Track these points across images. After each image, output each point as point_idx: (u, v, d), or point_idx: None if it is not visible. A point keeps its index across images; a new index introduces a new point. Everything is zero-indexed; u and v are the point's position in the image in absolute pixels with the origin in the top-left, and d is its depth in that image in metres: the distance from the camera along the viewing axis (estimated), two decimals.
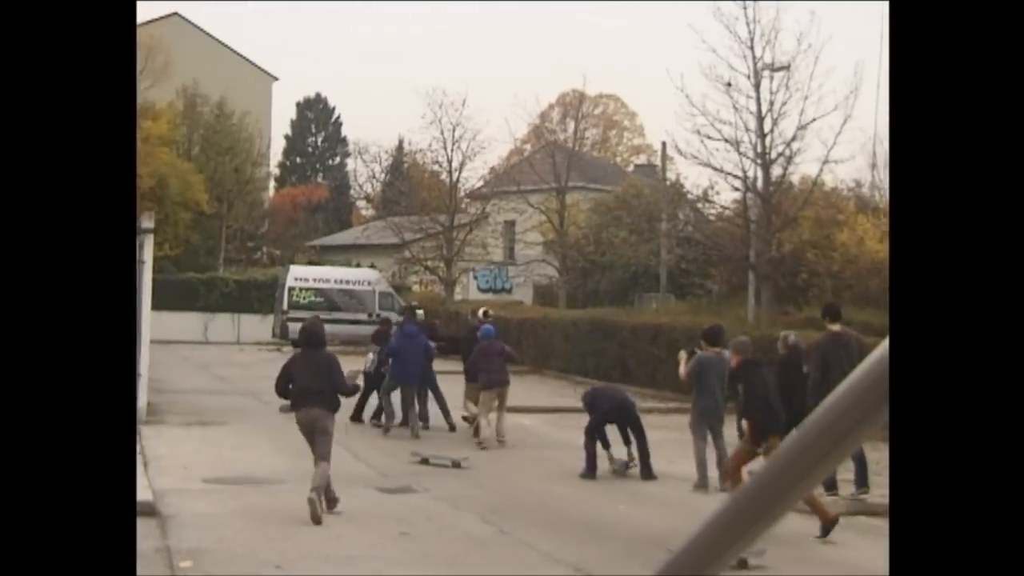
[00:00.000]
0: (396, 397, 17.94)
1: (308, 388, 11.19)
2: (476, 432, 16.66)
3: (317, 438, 11.21)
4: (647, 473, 13.97)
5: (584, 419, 14.84)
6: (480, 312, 20.88)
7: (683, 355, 13.73)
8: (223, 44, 65.08)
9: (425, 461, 14.70)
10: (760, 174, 26.36)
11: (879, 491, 12.02)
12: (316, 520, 10.59)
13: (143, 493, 11.40)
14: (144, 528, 10.38)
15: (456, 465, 14.46)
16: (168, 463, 13.82)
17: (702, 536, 1.05)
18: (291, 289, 39.06)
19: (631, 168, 57.19)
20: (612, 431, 14.58)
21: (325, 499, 11.06)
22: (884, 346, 1.00)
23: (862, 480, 12.09)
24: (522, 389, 26.51)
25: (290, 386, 11.22)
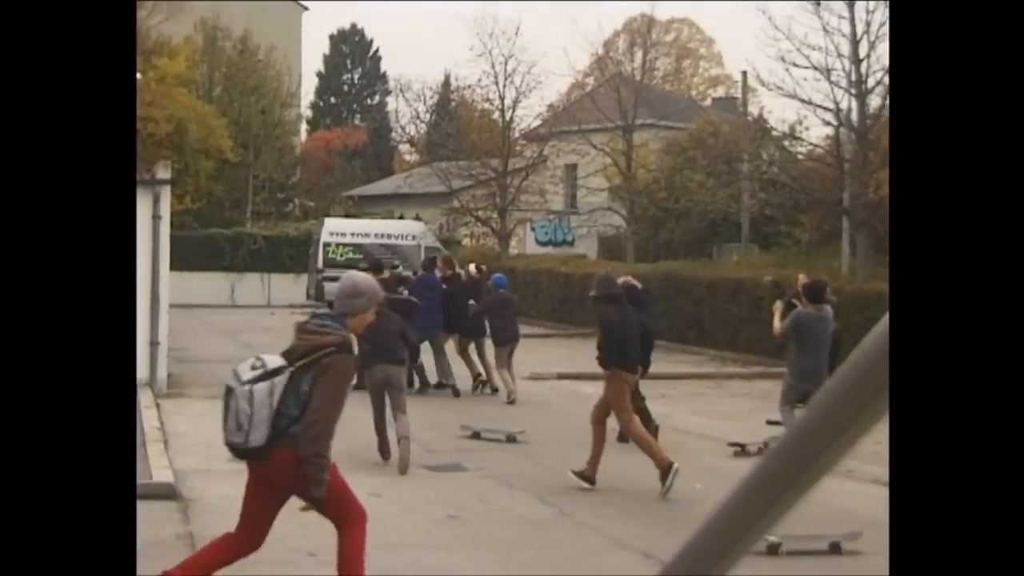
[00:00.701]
0: (428, 361, 18.69)
1: (382, 344, 12.53)
2: (493, 390, 18.20)
3: (393, 395, 13.01)
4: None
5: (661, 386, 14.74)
6: (471, 267, 20.95)
7: (779, 306, 13.60)
8: None
9: (476, 435, 14.77)
10: (855, 106, 25.94)
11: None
12: (403, 469, 12.50)
13: (163, 474, 11.59)
14: (164, 513, 10.55)
15: (511, 439, 14.52)
16: (190, 441, 14.01)
17: (706, 533, 1.08)
18: (326, 245, 39.30)
19: (707, 102, 56.67)
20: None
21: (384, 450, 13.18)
22: (883, 325, 1.06)
23: None
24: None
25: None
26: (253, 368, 6.85)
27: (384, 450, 13.19)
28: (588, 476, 11.99)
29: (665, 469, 11.55)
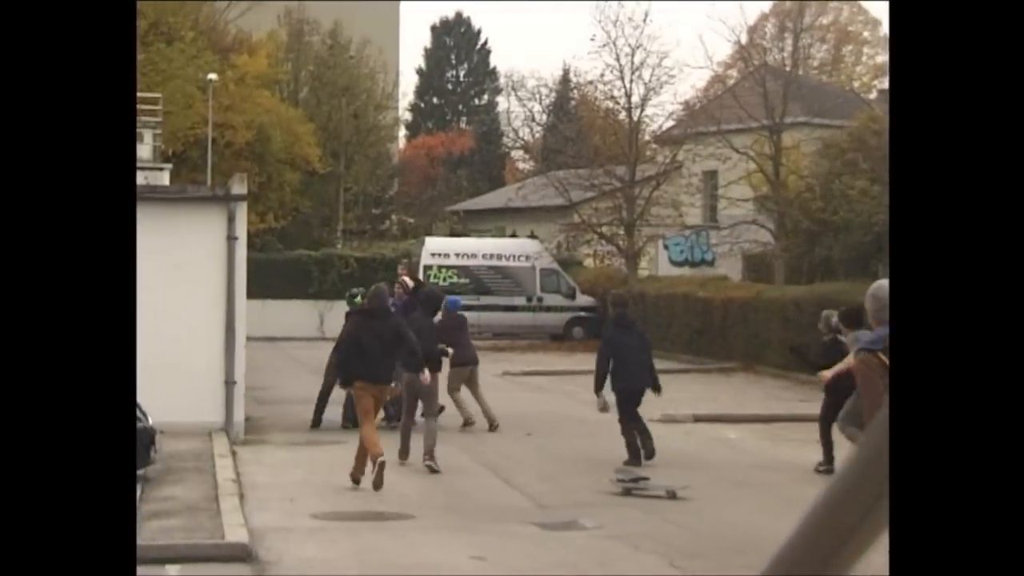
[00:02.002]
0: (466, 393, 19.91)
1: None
2: (465, 423, 19.55)
3: (424, 397, 15.64)
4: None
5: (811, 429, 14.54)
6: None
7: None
8: None
9: (627, 491, 14.63)
10: None
11: None
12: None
13: (237, 533, 11.76)
14: None
15: (672, 496, 14.38)
16: (270, 494, 14.20)
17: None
18: (427, 268, 39.66)
19: (872, 95, 55.87)
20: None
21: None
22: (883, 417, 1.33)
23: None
24: (727, 391, 26.33)
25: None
26: None
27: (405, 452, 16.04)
28: None
29: None
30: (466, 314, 31.82)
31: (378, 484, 14.18)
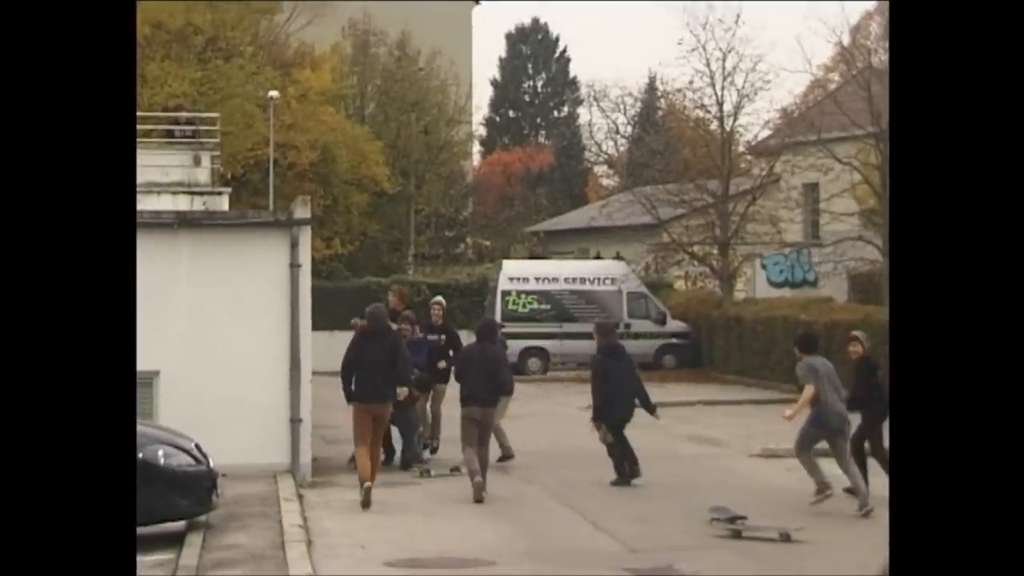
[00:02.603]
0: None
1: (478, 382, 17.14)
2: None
3: (483, 433, 17.15)
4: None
5: None
6: (402, 312, 21.10)
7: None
8: None
9: (736, 534, 14.55)
10: None
11: None
12: (478, 499, 16.38)
13: None
14: None
15: (786, 538, 14.27)
16: (339, 541, 14.26)
17: None
18: (505, 294, 39.73)
19: None
20: None
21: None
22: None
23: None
24: None
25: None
26: None
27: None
28: None
29: None
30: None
31: (365, 504, 16.06)
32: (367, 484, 16.13)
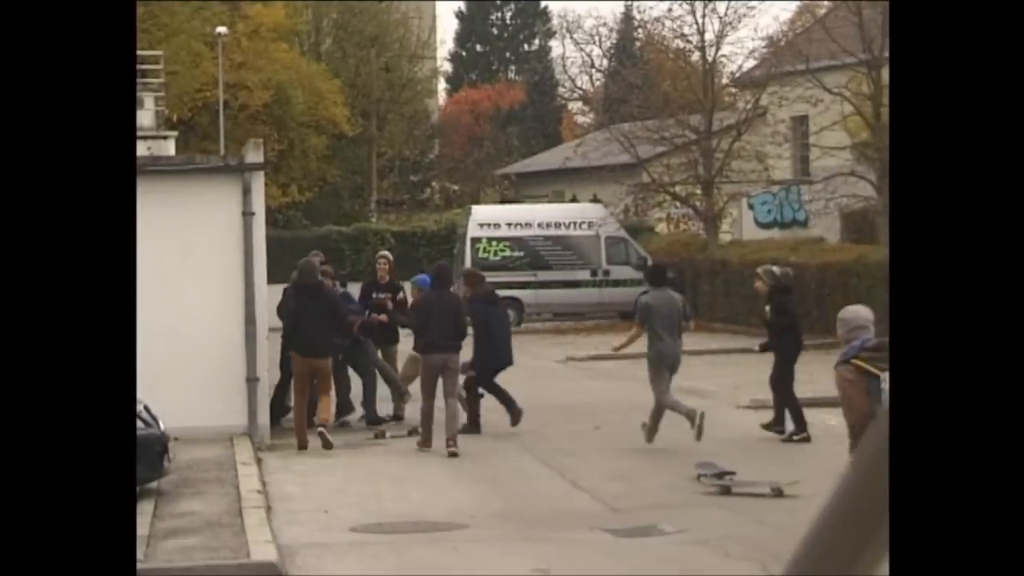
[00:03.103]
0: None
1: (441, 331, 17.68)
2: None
3: (447, 378, 17.73)
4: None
5: None
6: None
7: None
8: None
9: (726, 490, 14.61)
10: None
11: None
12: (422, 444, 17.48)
13: (264, 550, 11.82)
14: None
15: (779, 493, 14.33)
16: (301, 506, 14.28)
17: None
18: (475, 241, 39.66)
19: None
20: None
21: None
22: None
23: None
24: (826, 371, 26.10)
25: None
26: None
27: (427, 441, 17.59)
28: None
29: None
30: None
31: (326, 446, 17.48)
32: (319, 428, 17.61)
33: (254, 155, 18.85)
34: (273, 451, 17.73)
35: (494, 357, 19.24)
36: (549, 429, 19.21)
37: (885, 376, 12.02)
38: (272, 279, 19.13)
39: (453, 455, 16.95)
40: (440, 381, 17.76)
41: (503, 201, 50.27)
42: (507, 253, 39.53)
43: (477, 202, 47.51)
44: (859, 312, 11.80)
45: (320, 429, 17.56)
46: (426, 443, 17.55)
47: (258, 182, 18.65)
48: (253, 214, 18.37)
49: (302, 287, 18.14)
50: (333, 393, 18.74)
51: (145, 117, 31.54)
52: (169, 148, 30.39)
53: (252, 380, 18.26)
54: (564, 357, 29.18)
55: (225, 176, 18.66)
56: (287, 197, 44.92)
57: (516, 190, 54.51)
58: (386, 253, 22.16)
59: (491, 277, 36.41)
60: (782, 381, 18.40)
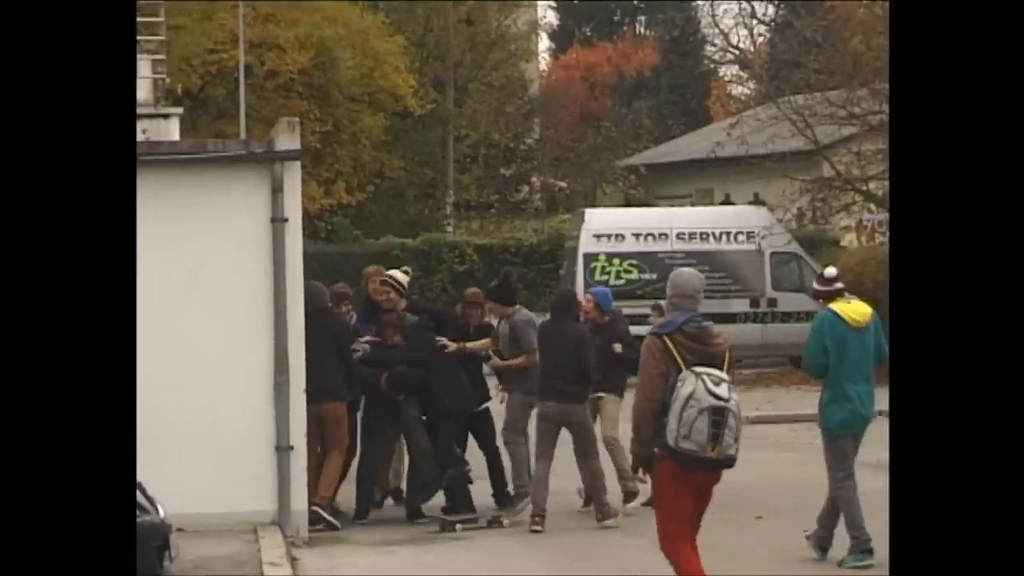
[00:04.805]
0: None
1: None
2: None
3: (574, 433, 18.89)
4: None
5: None
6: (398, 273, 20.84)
7: None
8: None
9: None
10: None
11: None
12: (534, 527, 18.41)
13: None
14: None
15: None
16: None
17: None
18: (590, 258, 39.60)
19: None
20: None
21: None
22: None
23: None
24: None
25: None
26: (720, 381, 12.51)
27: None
28: None
29: None
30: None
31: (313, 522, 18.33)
32: (313, 507, 18.44)
33: (287, 140, 18.85)
34: (314, 547, 17.73)
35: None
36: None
37: (690, 378, 12.78)
38: None
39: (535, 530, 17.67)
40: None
41: (629, 204, 50.18)
42: (633, 275, 39.43)
43: (593, 205, 47.44)
44: (690, 279, 13.44)
45: (314, 506, 18.43)
46: (536, 520, 18.44)
47: (293, 177, 18.65)
48: (286, 220, 18.39)
49: (308, 315, 18.62)
50: (343, 458, 19.45)
51: (140, 89, 31.78)
52: (172, 130, 30.55)
53: (283, 449, 18.26)
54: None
55: (248, 169, 18.70)
56: (331, 198, 45.02)
57: (647, 188, 54.43)
58: (394, 272, 21.08)
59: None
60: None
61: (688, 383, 12.69)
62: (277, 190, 18.37)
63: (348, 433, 19.55)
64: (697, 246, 40.15)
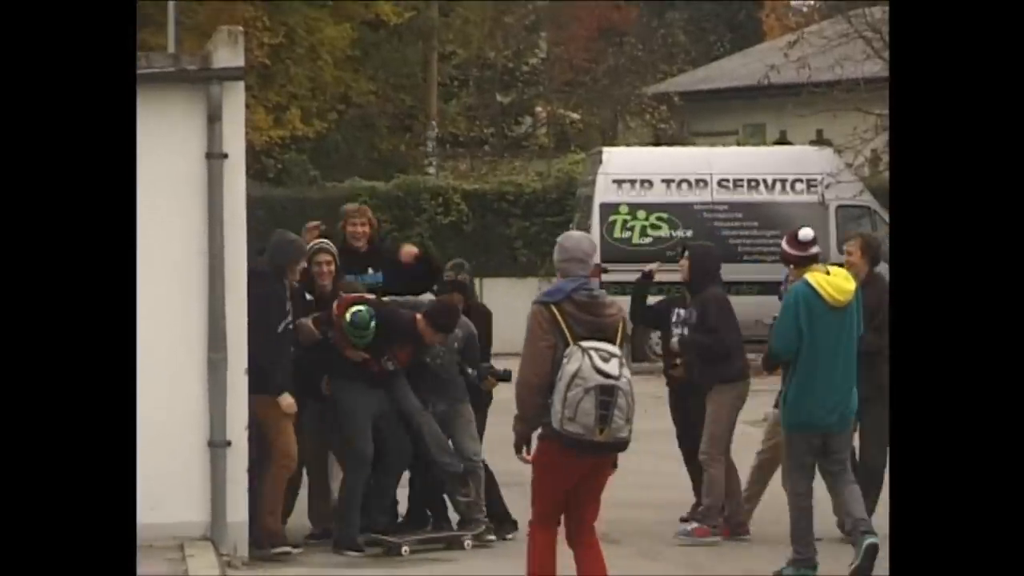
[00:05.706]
0: None
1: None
2: None
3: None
4: None
5: None
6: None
7: None
8: None
9: None
10: None
11: None
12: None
13: None
14: None
15: None
16: None
17: None
18: (608, 209, 39.60)
19: None
20: None
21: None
22: None
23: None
24: None
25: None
26: (610, 357, 13.60)
27: None
28: None
29: None
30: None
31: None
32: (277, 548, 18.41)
33: (228, 55, 18.80)
34: (253, 567, 17.71)
35: None
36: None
37: (576, 353, 13.67)
38: None
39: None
40: None
41: (658, 142, 50.22)
42: (663, 232, 39.47)
43: (613, 143, 47.51)
44: (580, 242, 14.74)
45: (272, 548, 18.47)
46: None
47: (234, 102, 18.63)
48: (225, 156, 18.35)
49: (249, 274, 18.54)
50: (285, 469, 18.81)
51: None
52: None
53: (218, 446, 18.23)
54: (762, 416, 29.09)
55: (177, 91, 18.65)
56: (283, 129, 44.94)
57: (681, 122, 54.51)
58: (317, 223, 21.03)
59: (625, 274, 36.06)
60: None
61: (574, 360, 13.64)
62: (214, 118, 18.34)
63: (291, 437, 18.64)
64: (743, 196, 40.23)
